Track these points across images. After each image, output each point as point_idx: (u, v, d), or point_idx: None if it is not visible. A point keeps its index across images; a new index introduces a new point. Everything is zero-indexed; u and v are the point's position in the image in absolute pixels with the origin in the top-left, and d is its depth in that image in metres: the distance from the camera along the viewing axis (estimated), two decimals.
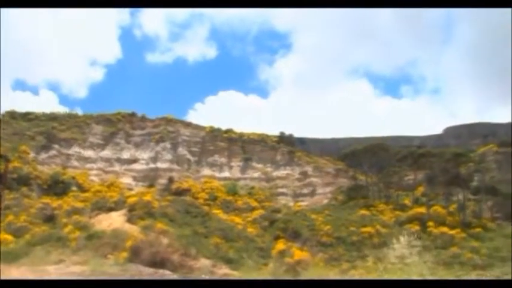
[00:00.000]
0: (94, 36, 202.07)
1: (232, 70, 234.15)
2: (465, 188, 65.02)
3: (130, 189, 65.88)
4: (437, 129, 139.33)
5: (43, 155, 66.89)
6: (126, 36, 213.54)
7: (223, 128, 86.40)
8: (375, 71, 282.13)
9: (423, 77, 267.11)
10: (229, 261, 39.09)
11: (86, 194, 57.54)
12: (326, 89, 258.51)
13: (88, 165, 70.61)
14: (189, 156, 78.43)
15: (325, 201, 70.83)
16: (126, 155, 75.90)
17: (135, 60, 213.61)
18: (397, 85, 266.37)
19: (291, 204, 69.73)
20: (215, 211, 57.97)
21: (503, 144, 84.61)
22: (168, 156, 75.78)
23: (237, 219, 55.53)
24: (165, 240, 29.54)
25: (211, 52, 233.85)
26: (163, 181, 71.02)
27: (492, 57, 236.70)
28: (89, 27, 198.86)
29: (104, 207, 51.01)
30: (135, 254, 27.03)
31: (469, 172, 68.95)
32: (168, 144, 77.48)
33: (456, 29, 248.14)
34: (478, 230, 54.73)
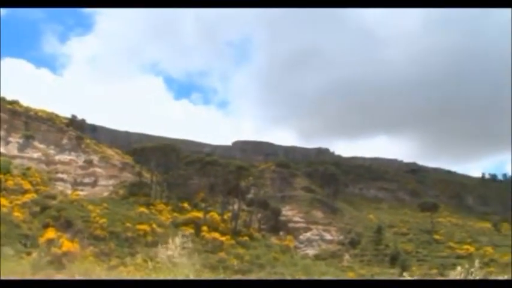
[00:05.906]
0: None
1: (22, 37, 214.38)
2: (241, 199, 70.68)
3: None
4: (227, 141, 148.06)
5: None
6: None
7: (8, 98, 78.28)
8: (170, 72, 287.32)
9: (214, 89, 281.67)
10: None
11: None
12: (122, 79, 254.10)
13: None
14: None
15: (106, 193, 69.13)
16: None
17: None
18: (190, 91, 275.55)
19: (69, 192, 66.37)
20: None
21: (280, 164, 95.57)
22: None
23: (4, 201, 50.68)
24: None
25: None
26: None
27: (279, 85, 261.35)
28: None
29: None
30: None
31: (248, 185, 75.51)
32: None
33: (251, 52, 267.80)
34: (245, 238, 60.54)
